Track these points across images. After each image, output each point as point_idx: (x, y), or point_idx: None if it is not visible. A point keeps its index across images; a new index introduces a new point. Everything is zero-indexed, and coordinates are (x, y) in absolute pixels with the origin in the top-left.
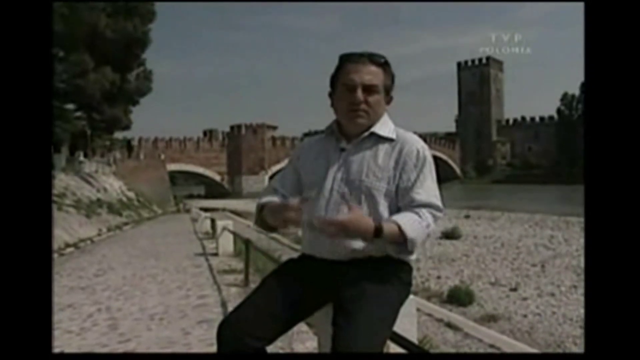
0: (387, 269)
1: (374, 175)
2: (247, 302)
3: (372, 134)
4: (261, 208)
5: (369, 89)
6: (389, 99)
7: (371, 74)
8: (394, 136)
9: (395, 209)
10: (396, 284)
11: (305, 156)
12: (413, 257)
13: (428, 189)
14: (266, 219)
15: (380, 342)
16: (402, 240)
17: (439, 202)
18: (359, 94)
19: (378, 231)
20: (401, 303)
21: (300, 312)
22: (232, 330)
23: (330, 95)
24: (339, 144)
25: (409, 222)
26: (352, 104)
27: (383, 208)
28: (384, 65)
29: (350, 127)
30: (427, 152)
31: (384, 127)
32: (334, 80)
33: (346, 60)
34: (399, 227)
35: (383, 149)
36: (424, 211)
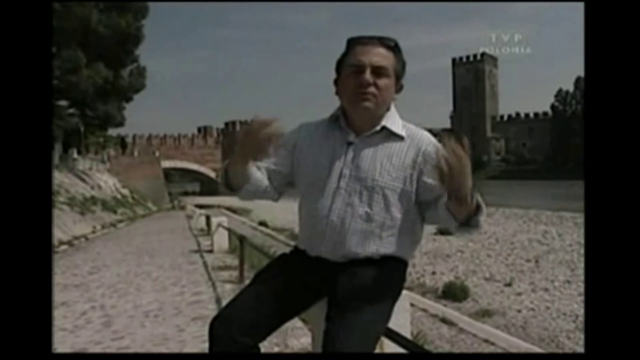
0: (381, 266)
1: (388, 174)
2: (239, 299)
3: (384, 128)
4: (227, 166)
5: (378, 71)
6: (399, 87)
7: (380, 56)
8: (404, 133)
9: (409, 211)
10: (390, 281)
11: (303, 145)
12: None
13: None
14: (231, 169)
15: (374, 339)
16: (474, 211)
17: None
18: (368, 75)
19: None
20: (395, 299)
21: (293, 308)
22: (224, 327)
23: (335, 82)
24: (345, 137)
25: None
26: (360, 86)
27: (396, 209)
28: (394, 48)
29: (356, 113)
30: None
31: (395, 121)
32: (340, 65)
33: (355, 42)
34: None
35: (396, 146)
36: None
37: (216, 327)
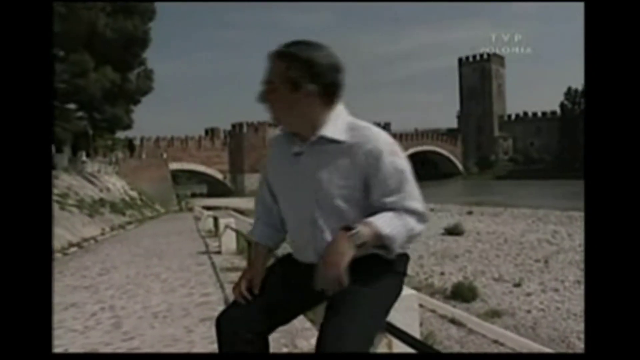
0: (380, 261)
1: (337, 180)
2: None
3: (322, 137)
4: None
5: (268, 88)
6: (321, 89)
7: (269, 72)
8: (343, 137)
9: (367, 211)
10: (389, 274)
11: (271, 159)
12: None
13: (406, 193)
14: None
15: (370, 335)
16: (380, 241)
17: (419, 205)
18: (263, 95)
19: (353, 236)
20: (395, 293)
21: (296, 306)
22: (230, 323)
23: None
24: (293, 147)
25: (382, 219)
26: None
27: (355, 212)
28: (288, 55)
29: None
30: (395, 148)
31: (335, 127)
32: None
33: None
34: (372, 225)
35: (340, 151)
36: (404, 214)
37: (222, 323)
